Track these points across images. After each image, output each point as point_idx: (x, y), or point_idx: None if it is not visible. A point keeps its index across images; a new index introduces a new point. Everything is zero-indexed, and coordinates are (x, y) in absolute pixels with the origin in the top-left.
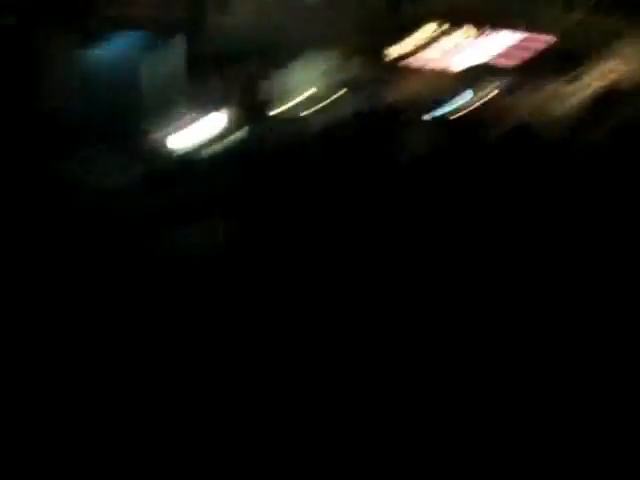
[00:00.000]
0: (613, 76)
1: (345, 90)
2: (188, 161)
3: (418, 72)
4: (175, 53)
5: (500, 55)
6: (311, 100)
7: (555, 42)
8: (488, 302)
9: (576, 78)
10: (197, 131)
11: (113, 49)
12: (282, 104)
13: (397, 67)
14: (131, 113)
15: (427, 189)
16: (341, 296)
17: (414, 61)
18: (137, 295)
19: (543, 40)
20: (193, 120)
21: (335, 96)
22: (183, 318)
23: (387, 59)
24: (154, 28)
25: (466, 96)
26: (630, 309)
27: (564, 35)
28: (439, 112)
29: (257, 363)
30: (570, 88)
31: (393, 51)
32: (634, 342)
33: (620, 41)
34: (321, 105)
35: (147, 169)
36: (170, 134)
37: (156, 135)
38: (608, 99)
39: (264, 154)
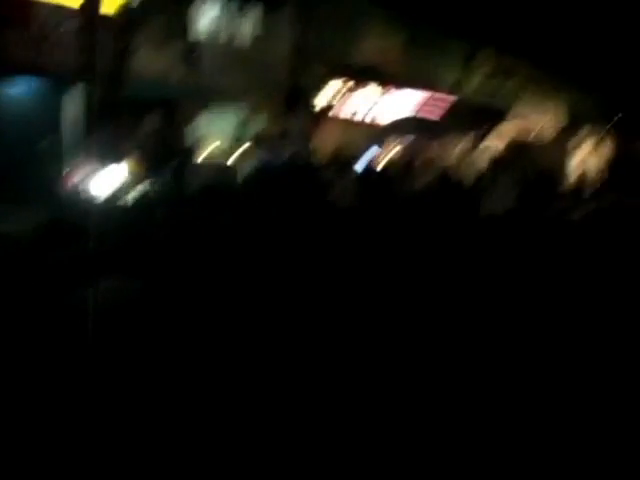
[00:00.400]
0: (513, 133)
1: (254, 142)
2: (92, 212)
3: (327, 126)
4: (80, 100)
5: (405, 112)
6: (222, 151)
7: (459, 101)
8: None
9: (478, 135)
10: (102, 180)
11: (16, 94)
12: (191, 154)
13: (305, 120)
14: (33, 160)
15: (342, 238)
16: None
17: (323, 115)
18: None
19: (447, 100)
20: (96, 169)
21: (244, 148)
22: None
23: (296, 113)
24: (60, 74)
25: (374, 150)
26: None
27: (467, 95)
28: (349, 165)
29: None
30: (473, 145)
31: (301, 105)
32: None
33: (520, 101)
34: (233, 155)
35: (49, 220)
36: (72, 183)
37: (59, 184)
38: (509, 155)
39: (173, 204)
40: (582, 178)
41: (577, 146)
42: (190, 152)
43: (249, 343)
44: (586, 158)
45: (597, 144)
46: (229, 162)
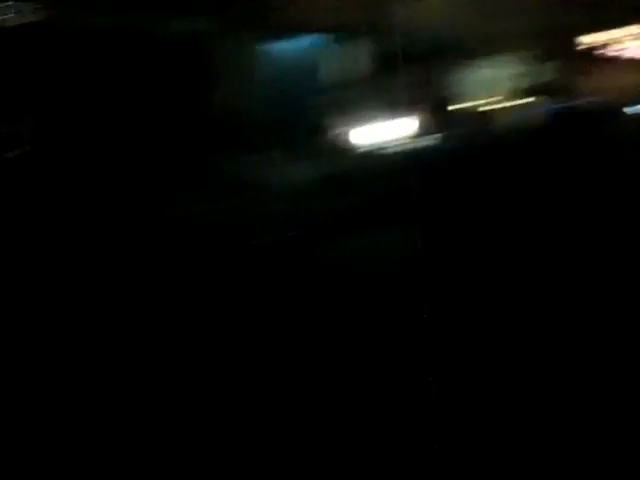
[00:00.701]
0: None
1: (540, 89)
2: (370, 162)
3: (610, 69)
4: (356, 53)
5: None
6: (501, 100)
7: None
8: None
9: None
10: (378, 132)
11: (294, 49)
12: (467, 104)
13: (601, 60)
14: (312, 113)
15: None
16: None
17: (608, 57)
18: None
19: None
20: (374, 121)
21: (529, 97)
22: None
23: (581, 54)
24: (336, 28)
25: None
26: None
27: None
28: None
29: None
30: None
31: (589, 45)
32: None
33: None
34: (513, 104)
35: (328, 170)
36: (351, 135)
37: (337, 136)
38: None
39: (447, 156)
40: None
41: None
42: (467, 101)
43: None
44: None
45: None
46: (510, 109)
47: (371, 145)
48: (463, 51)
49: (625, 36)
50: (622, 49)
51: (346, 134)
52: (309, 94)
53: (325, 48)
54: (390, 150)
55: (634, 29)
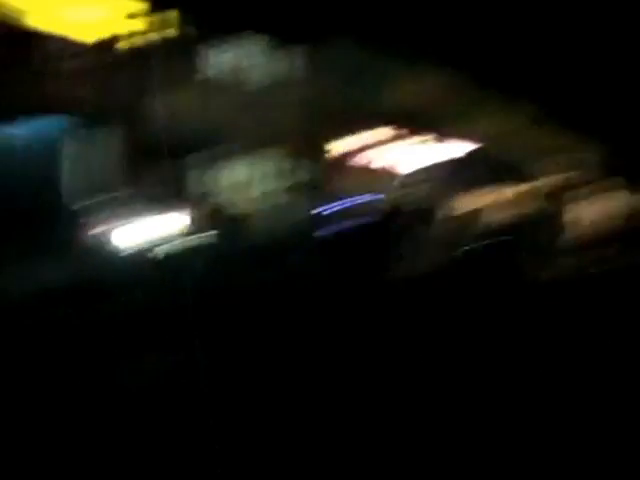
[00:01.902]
0: (547, 189)
1: (287, 188)
2: (118, 270)
3: (360, 172)
4: (105, 140)
5: (439, 160)
6: (252, 198)
7: (492, 151)
8: None
9: (510, 188)
10: (126, 230)
11: (33, 132)
12: (220, 201)
13: (340, 165)
14: (50, 207)
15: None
16: None
17: (357, 160)
18: None
19: (480, 148)
20: (121, 217)
21: (275, 195)
22: None
23: (332, 157)
24: (83, 111)
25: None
26: None
27: (500, 145)
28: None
29: None
30: (503, 198)
31: (338, 149)
32: None
33: (556, 153)
34: (263, 204)
35: (66, 273)
36: (94, 232)
37: (78, 233)
38: (540, 212)
39: (201, 257)
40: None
41: (607, 201)
42: (220, 198)
43: None
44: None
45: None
46: (262, 209)
47: (117, 244)
48: (214, 148)
49: (373, 141)
50: (369, 153)
51: (87, 230)
52: (47, 185)
53: (71, 133)
54: (139, 254)
55: (380, 135)
